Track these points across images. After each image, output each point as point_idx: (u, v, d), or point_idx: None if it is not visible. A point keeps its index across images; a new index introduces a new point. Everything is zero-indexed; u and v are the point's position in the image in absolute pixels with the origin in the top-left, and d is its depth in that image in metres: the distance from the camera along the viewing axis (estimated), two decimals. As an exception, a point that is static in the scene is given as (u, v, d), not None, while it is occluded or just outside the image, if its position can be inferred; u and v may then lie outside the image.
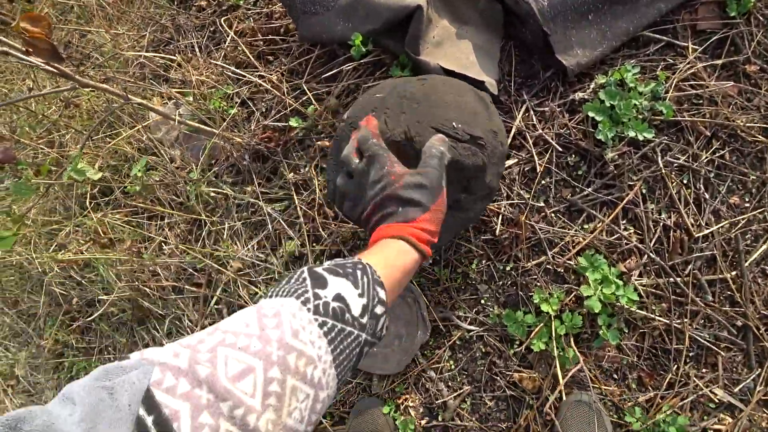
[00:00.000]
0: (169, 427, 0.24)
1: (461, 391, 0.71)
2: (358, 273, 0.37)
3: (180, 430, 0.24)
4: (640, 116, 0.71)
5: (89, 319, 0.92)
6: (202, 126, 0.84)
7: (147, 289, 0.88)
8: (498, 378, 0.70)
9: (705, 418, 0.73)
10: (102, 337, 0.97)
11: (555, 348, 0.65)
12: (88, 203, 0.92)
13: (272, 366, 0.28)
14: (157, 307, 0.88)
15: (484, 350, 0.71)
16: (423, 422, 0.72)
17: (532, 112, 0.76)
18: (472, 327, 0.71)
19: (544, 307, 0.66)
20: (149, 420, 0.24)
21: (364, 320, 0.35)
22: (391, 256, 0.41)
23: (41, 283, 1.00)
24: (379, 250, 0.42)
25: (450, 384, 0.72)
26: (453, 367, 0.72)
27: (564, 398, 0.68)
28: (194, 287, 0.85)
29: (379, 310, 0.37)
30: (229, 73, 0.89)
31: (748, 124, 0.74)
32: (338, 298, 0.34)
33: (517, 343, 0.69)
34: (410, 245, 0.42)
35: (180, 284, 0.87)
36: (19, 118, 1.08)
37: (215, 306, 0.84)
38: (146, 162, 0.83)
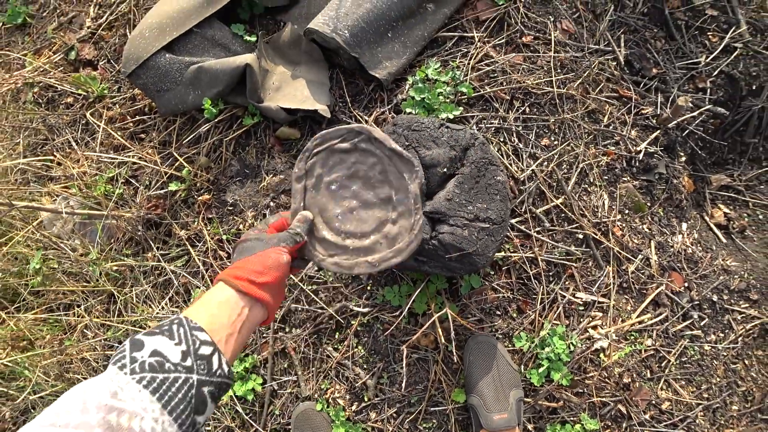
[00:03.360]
0: None
1: (375, 369, 0.84)
2: (174, 327, 0.42)
3: None
4: (448, 100, 0.91)
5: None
6: (92, 212, 0.94)
7: (78, 377, 0.94)
8: (401, 346, 0.83)
9: (581, 320, 0.90)
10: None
11: (433, 304, 0.80)
12: None
13: (93, 429, 0.32)
14: None
15: (382, 328, 0.85)
16: (353, 407, 0.84)
17: (373, 124, 0.94)
18: (366, 309, 0.85)
19: (414, 275, 0.81)
20: None
21: (188, 363, 0.40)
22: (211, 301, 0.47)
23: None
24: (201, 299, 0.49)
25: (365, 366, 0.85)
26: (362, 351, 0.85)
27: (466, 343, 0.83)
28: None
29: (205, 350, 0.42)
30: (106, 159, 1.01)
31: (536, 81, 0.97)
32: (154, 353, 0.39)
33: (406, 312, 0.83)
34: (227, 284, 0.49)
35: (108, 361, 0.95)
36: None
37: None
38: (41, 255, 0.92)
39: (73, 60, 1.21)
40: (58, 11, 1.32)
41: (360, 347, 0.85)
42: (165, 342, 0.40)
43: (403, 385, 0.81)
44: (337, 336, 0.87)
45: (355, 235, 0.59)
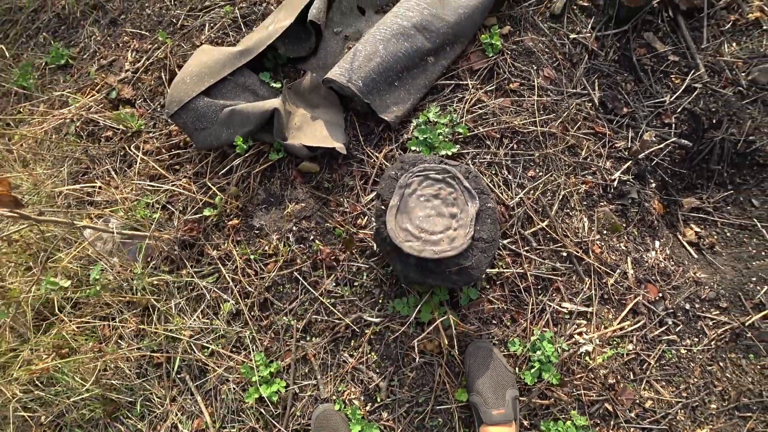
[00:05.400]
0: None
1: (386, 372, 0.98)
2: None
3: None
4: (446, 139, 1.10)
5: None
6: (135, 232, 1.11)
7: (113, 382, 1.07)
8: (410, 352, 0.98)
9: (567, 327, 1.06)
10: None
11: (437, 313, 0.95)
12: (33, 326, 1.11)
13: None
14: (126, 396, 1.08)
15: (393, 336, 1.00)
16: (368, 407, 0.97)
17: (383, 160, 1.12)
18: (378, 319, 1.00)
19: (421, 288, 0.97)
20: None
21: None
22: None
23: (5, 416, 1.14)
24: None
25: (377, 370, 0.99)
26: (375, 356, 1.00)
27: (466, 349, 0.97)
28: (155, 367, 1.07)
29: None
30: (148, 187, 1.18)
31: (522, 122, 1.17)
32: None
33: (413, 322, 0.99)
34: None
35: (141, 370, 1.08)
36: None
37: (178, 376, 1.06)
38: (101, 267, 1.07)
39: (113, 99, 1.40)
40: (98, 55, 1.53)
41: (373, 353, 1.00)
42: None
43: (411, 386, 0.94)
44: (352, 343, 1.01)
45: (428, 232, 0.88)
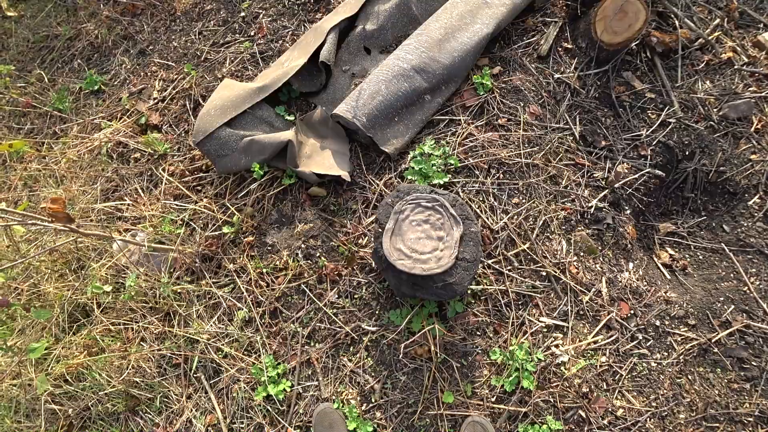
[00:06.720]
0: None
1: (381, 376, 1.13)
2: None
3: None
4: (439, 169, 1.28)
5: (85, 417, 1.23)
6: (161, 246, 1.28)
7: (136, 380, 1.23)
8: (402, 358, 1.14)
9: (545, 340, 1.21)
10: (104, 440, 1.27)
11: (426, 323, 1.11)
12: (67, 327, 1.28)
13: None
14: (146, 392, 1.23)
15: (387, 343, 1.15)
16: (363, 407, 1.12)
17: (383, 187, 1.29)
18: (374, 328, 1.16)
19: (413, 301, 1.13)
20: None
21: None
22: None
23: (33, 408, 1.29)
24: None
25: (373, 374, 1.14)
26: (371, 361, 1.15)
27: (463, 422, 1.06)
28: (174, 367, 1.23)
29: None
30: (174, 205, 1.36)
31: (508, 154, 1.34)
32: None
33: (405, 330, 1.15)
34: None
35: (161, 369, 1.24)
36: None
37: (194, 375, 1.22)
38: (137, 274, 1.24)
39: (142, 124, 1.60)
40: (128, 82, 1.73)
41: (369, 359, 1.15)
42: None
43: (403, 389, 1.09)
44: (351, 349, 1.17)
45: (418, 252, 1.06)
